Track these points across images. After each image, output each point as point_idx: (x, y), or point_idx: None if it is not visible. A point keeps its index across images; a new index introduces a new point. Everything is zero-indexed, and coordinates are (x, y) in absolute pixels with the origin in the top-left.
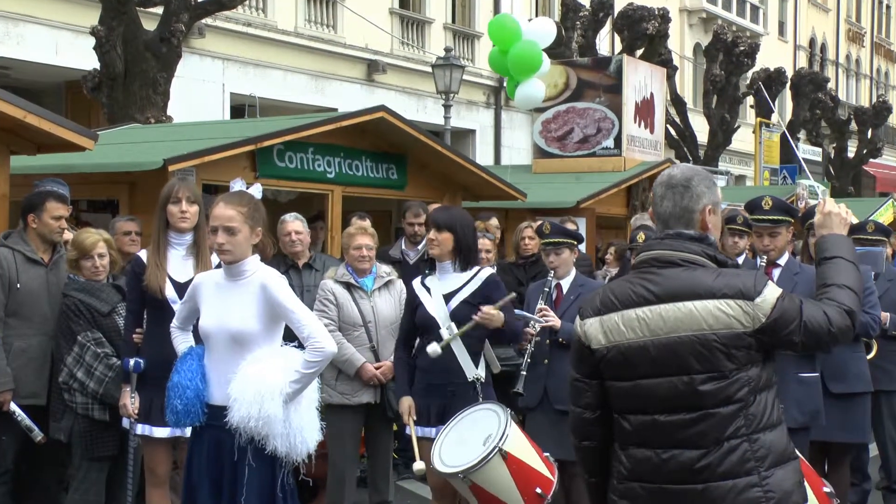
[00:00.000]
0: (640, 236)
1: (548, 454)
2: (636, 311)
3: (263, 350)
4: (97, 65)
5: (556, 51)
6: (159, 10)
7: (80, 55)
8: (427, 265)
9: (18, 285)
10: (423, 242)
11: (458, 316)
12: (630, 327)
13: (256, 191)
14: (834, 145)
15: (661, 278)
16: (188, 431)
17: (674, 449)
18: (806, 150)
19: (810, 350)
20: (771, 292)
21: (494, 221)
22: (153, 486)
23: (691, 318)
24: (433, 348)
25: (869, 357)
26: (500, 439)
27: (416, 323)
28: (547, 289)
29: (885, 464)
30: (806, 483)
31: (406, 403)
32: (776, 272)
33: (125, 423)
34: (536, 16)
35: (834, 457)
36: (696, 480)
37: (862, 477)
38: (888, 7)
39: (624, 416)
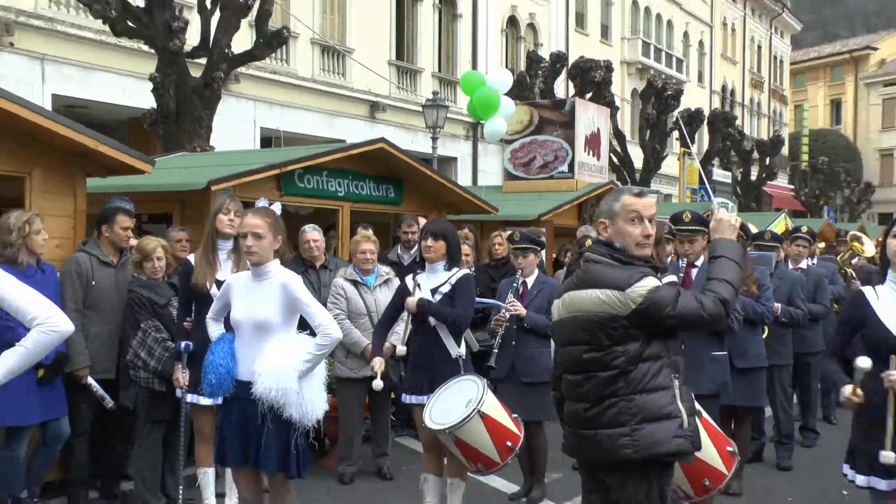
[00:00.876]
0: (588, 242)
1: (516, 415)
2: (566, 294)
3: (282, 336)
4: (155, 105)
5: (522, 94)
6: (203, 60)
7: (142, 97)
8: (418, 266)
9: (93, 282)
10: (415, 248)
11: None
12: (562, 307)
13: (277, 207)
14: (741, 170)
15: (583, 272)
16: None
17: (576, 402)
18: (719, 174)
19: (692, 329)
20: (643, 285)
21: (466, 231)
22: (200, 443)
23: (582, 302)
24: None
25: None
26: (479, 403)
27: (401, 309)
28: (515, 285)
29: (777, 422)
30: (710, 441)
31: (377, 362)
32: (694, 271)
33: (178, 393)
34: (507, 66)
35: (738, 418)
36: (589, 427)
37: (759, 433)
38: (781, 61)
39: (563, 374)
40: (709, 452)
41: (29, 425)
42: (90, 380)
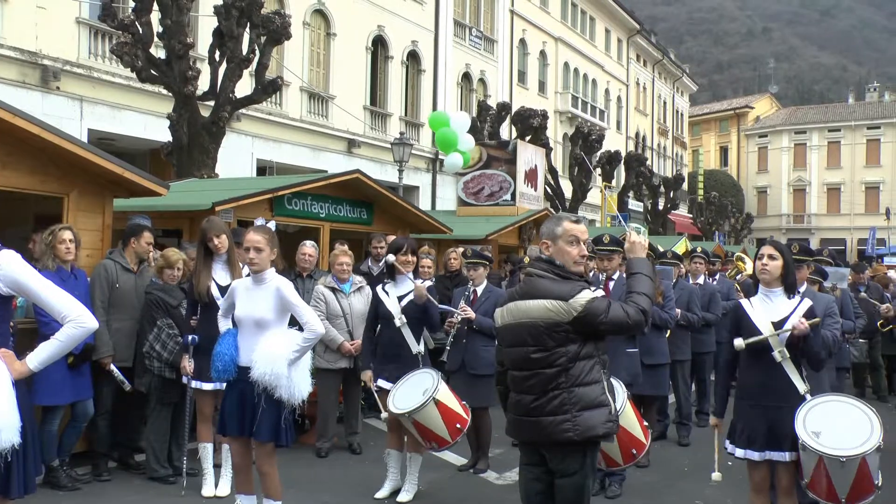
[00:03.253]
0: (526, 258)
1: (465, 402)
2: (511, 303)
3: (275, 331)
4: (170, 138)
5: (474, 136)
6: (212, 102)
7: (160, 132)
8: (385, 276)
9: (117, 285)
10: (383, 261)
11: (406, 311)
12: (508, 314)
13: (272, 224)
14: (650, 201)
15: (527, 285)
16: (224, 385)
17: (521, 394)
18: (633, 204)
19: (619, 334)
20: (583, 297)
21: (427, 247)
22: (202, 422)
23: (530, 310)
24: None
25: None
26: (434, 391)
27: (377, 315)
28: (467, 293)
29: (679, 407)
30: (634, 419)
31: (367, 374)
32: (612, 283)
33: (184, 379)
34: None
35: (647, 404)
36: (532, 415)
37: (664, 416)
38: (681, 115)
39: (508, 371)
40: (635, 429)
41: (61, 405)
42: (112, 367)
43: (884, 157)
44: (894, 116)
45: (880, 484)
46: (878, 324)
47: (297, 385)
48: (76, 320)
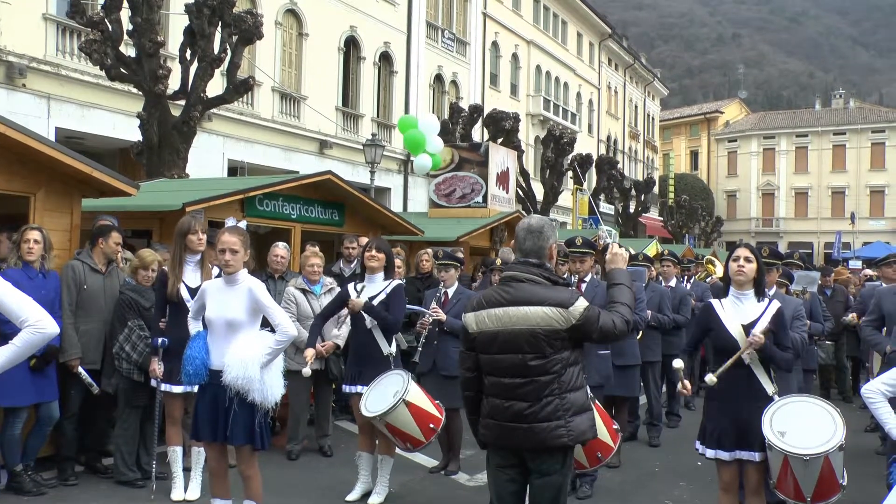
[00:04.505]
0: (498, 260)
1: (438, 401)
2: (495, 310)
3: (248, 333)
4: (140, 138)
5: (445, 138)
6: (182, 102)
7: (130, 131)
8: (357, 277)
9: (85, 286)
10: (355, 262)
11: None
12: (491, 320)
13: (243, 224)
14: (621, 204)
15: (513, 289)
16: (195, 388)
17: (512, 400)
18: (604, 207)
19: (605, 342)
20: (581, 304)
21: (399, 248)
22: (171, 425)
23: (527, 317)
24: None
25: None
26: (404, 393)
27: (340, 306)
28: (438, 294)
29: (650, 408)
30: (601, 422)
31: (309, 352)
32: (584, 286)
33: (153, 382)
34: (433, 114)
35: (618, 405)
36: (524, 422)
37: (635, 417)
38: (652, 119)
39: (486, 377)
40: (602, 431)
41: (23, 407)
42: (80, 369)
43: (849, 162)
44: (859, 123)
45: (846, 483)
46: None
47: (269, 388)
48: (35, 325)
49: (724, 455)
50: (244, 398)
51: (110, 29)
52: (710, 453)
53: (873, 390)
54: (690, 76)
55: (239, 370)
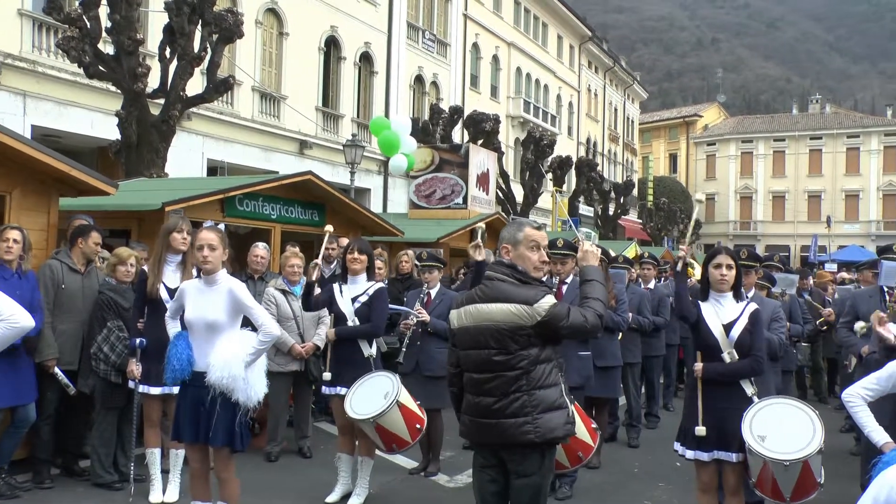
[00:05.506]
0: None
1: (419, 402)
2: (470, 306)
3: (229, 334)
4: (119, 136)
5: (426, 139)
6: (162, 101)
7: (108, 130)
8: (339, 278)
9: (63, 286)
10: (335, 262)
11: (359, 312)
12: (466, 316)
13: (221, 226)
14: (601, 206)
15: (487, 288)
16: (175, 389)
17: (481, 396)
18: (584, 209)
19: (576, 338)
20: (546, 301)
21: (380, 249)
22: (149, 427)
23: (492, 314)
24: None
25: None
26: (396, 395)
27: (328, 304)
28: (422, 295)
29: (629, 409)
30: (580, 421)
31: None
32: (565, 287)
33: (131, 383)
34: (413, 116)
35: (598, 406)
36: (492, 417)
37: (614, 418)
38: (632, 121)
39: (464, 373)
40: (581, 431)
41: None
42: (57, 369)
43: (825, 167)
44: (834, 128)
45: (823, 482)
46: (818, 322)
47: (253, 387)
48: (8, 320)
49: (703, 456)
50: (227, 398)
51: (88, 26)
52: (689, 454)
53: (853, 395)
54: (670, 80)
55: (223, 370)
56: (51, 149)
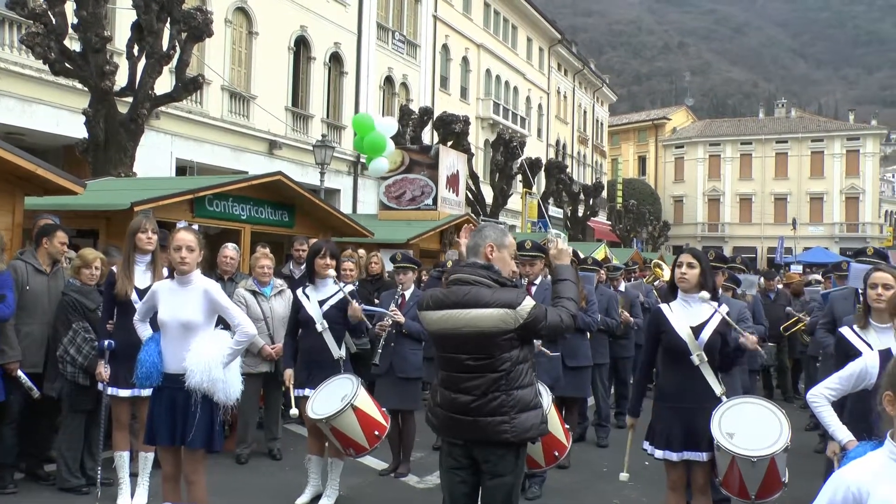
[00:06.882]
0: (449, 263)
1: (386, 408)
2: (441, 311)
3: (204, 334)
4: (86, 135)
5: (395, 140)
6: (130, 99)
7: (75, 128)
8: (306, 279)
9: (28, 287)
10: (304, 264)
11: (327, 315)
12: (439, 321)
13: (195, 227)
14: (570, 208)
15: (460, 291)
16: (146, 392)
17: (459, 394)
18: (553, 210)
19: (552, 338)
20: (527, 303)
21: (351, 251)
22: (117, 430)
23: (478, 320)
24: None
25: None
26: (353, 397)
27: (298, 320)
28: (396, 297)
29: (598, 409)
30: (556, 421)
31: (288, 373)
32: (534, 288)
33: (100, 386)
34: (383, 116)
35: (568, 405)
36: (470, 415)
37: (583, 418)
38: (601, 124)
39: (439, 370)
40: (557, 431)
41: None
42: (20, 372)
43: (791, 170)
44: (800, 132)
45: (787, 481)
46: (782, 328)
47: (231, 386)
48: None
49: (672, 456)
50: (207, 399)
51: (54, 22)
52: (658, 454)
53: (817, 395)
54: (638, 83)
55: (203, 374)
56: (15, 146)
